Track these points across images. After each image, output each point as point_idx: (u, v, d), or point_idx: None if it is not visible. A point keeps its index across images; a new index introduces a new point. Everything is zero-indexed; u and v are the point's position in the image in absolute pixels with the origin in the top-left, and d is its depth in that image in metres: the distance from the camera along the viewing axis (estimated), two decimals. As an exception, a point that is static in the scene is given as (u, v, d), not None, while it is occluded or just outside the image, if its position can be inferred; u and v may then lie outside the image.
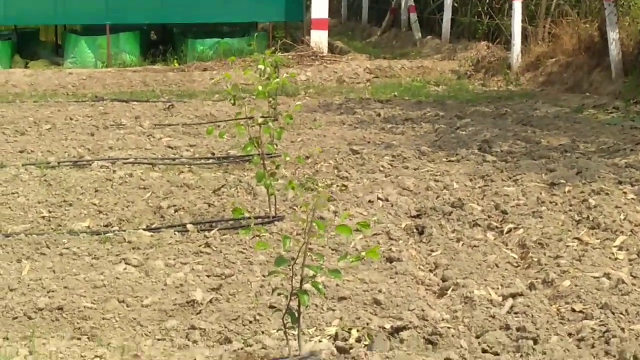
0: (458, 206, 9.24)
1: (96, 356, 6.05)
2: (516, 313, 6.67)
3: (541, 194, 9.62)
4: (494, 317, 6.60)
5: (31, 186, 10.00)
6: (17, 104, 16.55)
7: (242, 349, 6.09)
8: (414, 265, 7.67)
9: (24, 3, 22.70)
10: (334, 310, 6.67)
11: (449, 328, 6.37)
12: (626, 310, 6.58)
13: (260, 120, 8.40)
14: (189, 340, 6.30)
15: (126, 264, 7.67)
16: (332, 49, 23.40)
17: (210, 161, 11.43)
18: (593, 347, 6.15)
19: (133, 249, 8.05)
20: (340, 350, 6.03)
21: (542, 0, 20.64)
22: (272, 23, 24.90)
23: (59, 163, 11.17)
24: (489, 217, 9.01)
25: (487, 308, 6.77)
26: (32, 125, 13.83)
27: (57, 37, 25.86)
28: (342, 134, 13.41)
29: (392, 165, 11.08)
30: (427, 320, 6.46)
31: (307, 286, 5.80)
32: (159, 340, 6.31)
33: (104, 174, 10.52)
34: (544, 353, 5.98)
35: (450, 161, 11.30)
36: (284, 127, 8.90)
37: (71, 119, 14.58)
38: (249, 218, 8.56)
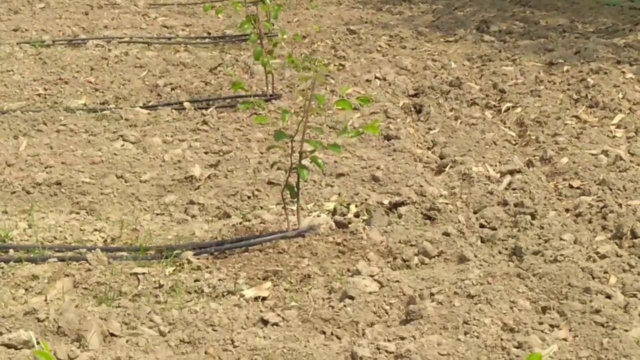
0: (456, 85, 9.25)
1: (95, 229, 6.15)
2: (514, 189, 6.76)
3: (539, 73, 9.64)
4: (491, 193, 6.69)
5: (26, 64, 9.99)
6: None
7: (240, 223, 6.18)
8: (411, 143, 7.74)
9: None
10: (332, 186, 6.75)
11: (446, 204, 6.46)
12: (623, 187, 6.66)
13: (258, -6, 8.41)
14: (187, 214, 6.38)
15: (123, 140, 7.73)
16: None
17: (206, 40, 11.41)
18: (590, 222, 6.25)
19: (130, 125, 8.09)
20: (339, 224, 6.13)
21: None
22: None
23: (53, 41, 11.13)
24: (487, 95, 9.04)
25: (485, 184, 6.86)
26: (26, 4, 13.70)
27: None
28: (338, 14, 13.32)
29: (389, 45, 11.06)
30: (424, 196, 6.55)
31: (306, 161, 5.88)
32: (157, 214, 6.41)
33: (99, 52, 10.50)
34: (541, 227, 6.08)
35: (447, 41, 11.29)
36: (280, 5, 8.86)
37: (65, -4, 14.49)
38: (246, 96, 8.65)
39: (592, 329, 4.89)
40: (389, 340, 4.80)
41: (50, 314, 4.98)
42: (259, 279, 5.45)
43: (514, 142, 7.79)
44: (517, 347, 4.72)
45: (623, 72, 9.55)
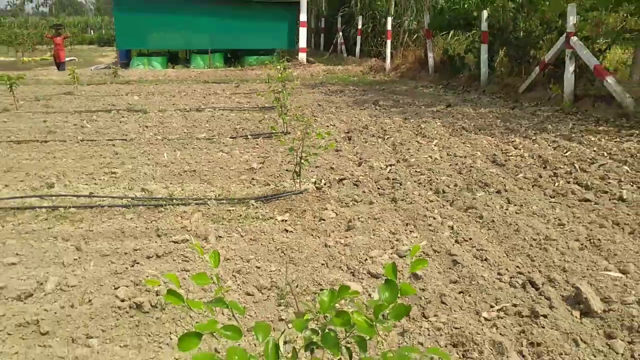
0: (364, 128, 9.17)
1: (211, 191, 6.08)
2: (391, 172, 6.72)
3: (401, 123, 9.58)
4: (382, 174, 6.65)
5: (177, 119, 9.87)
6: (169, 84, 16.15)
7: (275, 187, 6.14)
8: (347, 153, 7.68)
9: (173, 40, 22.65)
10: (313, 171, 6.69)
11: (363, 178, 6.44)
12: (438, 170, 6.66)
13: (279, 90, 8.36)
14: (251, 184, 6.31)
15: (222, 152, 7.63)
16: (307, 61, 23.00)
17: (257, 108, 11.26)
18: (424, 186, 6.20)
19: (224, 145, 7.99)
20: (317, 188, 6.07)
21: (399, 38, 20.54)
22: (281, 49, 24.48)
23: (189, 109, 11.01)
24: (378, 132, 8.93)
25: (379, 170, 6.81)
26: (176, 94, 13.59)
27: (187, 54, 25.37)
28: (313, 97, 13.18)
29: (335, 111, 10.96)
30: (353, 176, 6.50)
31: (303, 161, 5.85)
32: (238, 184, 6.32)
33: (210, 113, 10.35)
34: (405, 189, 6.02)
35: (361, 109, 11.13)
36: (289, 94, 8.74)
37: (194, 91, 14.24)
38: (275, 132, 8.60)
39: (428, 232, 4.86)
40: (340, 238, 4.74)
41: (192, 227, 4.89)
42: (283, 212, 5.38)
43: (390, 152, 7.71)
44: (396, 241, 4.69)
45: (435, 122, 9.49)
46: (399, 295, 2.09)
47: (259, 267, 4.20)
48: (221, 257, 4.40)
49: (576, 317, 3.56)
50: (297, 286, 3.89)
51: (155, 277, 4.05)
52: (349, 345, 2.40)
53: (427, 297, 3.77)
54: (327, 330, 1.94)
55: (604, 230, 4.82)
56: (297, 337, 3.24)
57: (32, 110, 11.35)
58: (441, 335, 3.38)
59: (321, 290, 3.88)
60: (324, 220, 5.14)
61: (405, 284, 2.11)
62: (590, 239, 4.64)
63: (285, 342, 3.19)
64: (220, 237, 4.78)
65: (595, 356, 3.13)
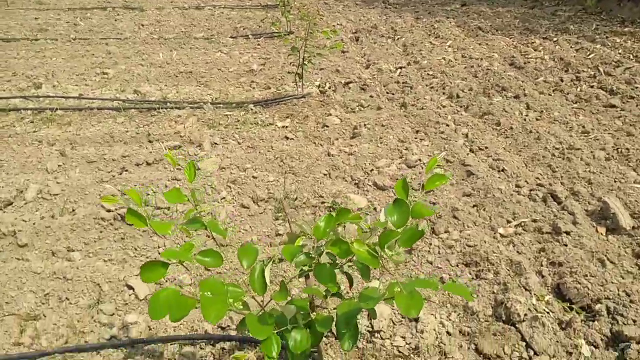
0: (373, 27, 8.48)
1: (207, 94, 5.61)
2: (401, 75, 6.20)
3: (412, 23, 8.88)
4: (391, 77, 6.14)
5: (175, 17, 9.19)
6: None
7: (276, 91, 5.67)
8: (354, 54, 7.10)
9: None
10: (317, 74, 6.18)
11: (371, 82, 5.94)
12: (452, 74, 6.12)
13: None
14: (250, 87, 5.83)
15: (220, 52, 7.07)
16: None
17: (260, 6, 10.48)
18: (437, 90, 5.75)
19: (224, 45, 7.41)
20: (321, 92, 5.61)
21: None
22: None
23: (188, 7, 10.24)
24: (388, 32, 8.26)
25: (388, 73, 6.28)
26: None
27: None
28: (320, -4, 12.45)
29: (343, 9, 10.18)
30: (360, 79, 5.99)
31: (306, 62, 5.35)
32: (236, 87, 5.84)
33: (209, 12, 9.62)
34: (415, 93, 5.57)
35: (369, 7, 10.33)
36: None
37: None
38: (278, 32, 8.00)
39: (440, 140, 4.46)
40: (345, 147, 4.36)
41: (186, 133, 4.51)
42: (284, 117, 4.96)
43: (401, 54, 7.14)
44: (406, 150, 4.30)
45: (450, 22, 8.81)
46: (410, 217, 1.73)
47: (255, 177, 3.85)
48: (216, 165, 4.04)
49: (602, 234, 3.22)
50: (295, 199, 3.55)
51: (133, 187, 3.72)
52: (349, 270, 2.08)
53: (438, 212, 3.44)
54: (322, 262, 1.60)
55: (632, 138, 4.39)
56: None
57: (24, 6, 10.65)
58: (453, 253, 3.07)
59: (322, 203, 3.54)
60: (327, 126, 4.73)
61: (419, 204, 1.74)
62: (617, 148, 4.23)
63: (280, 260, 2.89)
64: (216, 144, 4.40)
65: (623, 278, 2.82)
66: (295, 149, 4.28)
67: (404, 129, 4.71)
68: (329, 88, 5.75)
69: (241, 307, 1.58)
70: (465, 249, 3.07)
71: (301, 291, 2.70)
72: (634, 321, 2.48)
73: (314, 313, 1.75)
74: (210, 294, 1.43)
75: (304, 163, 4.06)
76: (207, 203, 3.55)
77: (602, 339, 2.45)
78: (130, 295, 2.77)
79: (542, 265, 2.95)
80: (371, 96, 5.50)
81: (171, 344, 2.42)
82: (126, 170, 3.98)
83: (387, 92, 5.72)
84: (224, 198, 3.62)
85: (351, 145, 4.38)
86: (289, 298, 1.57)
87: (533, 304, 2.60)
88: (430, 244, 3.14)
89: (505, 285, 2.76)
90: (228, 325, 2.51)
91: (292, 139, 4.52)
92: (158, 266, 1.50)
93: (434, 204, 3.50)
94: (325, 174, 3.94)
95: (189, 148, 4.30)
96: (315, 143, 4.46)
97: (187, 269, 2.20)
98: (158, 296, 1.34)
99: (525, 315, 2.52)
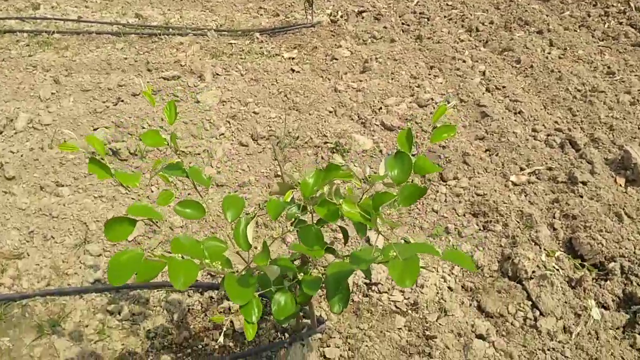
0: None
1: (212, 20, 5.30)
2: (418, 5, 5.75)
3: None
4: (408, 7, 5.74)
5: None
6: None
7: (284, 19, 5.34)
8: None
9: None
10: (329, 1, 5.80)
11: (385, 11, 5.57)
12: (474, 4, 5.74)
13: None
14: (258, 14, 5.50)
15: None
16: None
17: None
18: (455, 22, 5.38)
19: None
20: (332, 21, 5.27)
21: None
22: None
23: None
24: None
25: (405, 2, 5.84)
26: None
27: None
28: None
29: None
30: (375, 7, 5.62)
31: (317, -12, 5.01)
32: (243, 13, 5.51)
33: None
34: (432, 25, 5.22)
35: None
36: None
37: None
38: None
39: (455, 78, 4.18)
40: (353, 82, 4.11)
41: (187, 63, 4.26)
42: (291, 48, 4.68)
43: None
44: (418, 87, 4.05)
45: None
46: (412, 173, 1.54)
47: (257, 113, 3.64)
48: (216, 98, 3.82)
49: (621, 185, 3.02)
50: (297, 137, 3.35)
51: (128, 119, 3.52)
52: (344, 226, 1.92)
53: (447, 156, 3.23)
54: (307, 224, 1.43)
55: (662, 82, 4.10)
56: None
57: None
58: (460, 202, 2.88)
59: (325, 143, 3.34)
60: (336, 59, 4.44)
61: (423, 158, 1.55)
62: (644, 92, 3.95)
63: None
64: (217, 75, 4.16)
65: (638, 233, 2.65)
66: (301, 83, 4.03)
67: (418, 64, 4.43)
68: (341, 17, 5.41)
69: (220, 267, 1.43)
70: (473, 198, 2.89)
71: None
72: (650, 283, 2.33)
73: (305, 270, 1.60)
74: (180, 256, 1.27)
75: (309, 99, 3.83)
76: (205, 139, 3.37)
77: (613, 300, 2.30)
78: (118, 235, 2.65)
79: (554, 218, 2.77)
80: (385, 27, 5.16)
81: (157, 290, 2.31)
82: (122, 101, 3.78)
83: (403, 23, 5.37)
84: (222, 134, 3.43)
85: (360, 81, 4.13)
86: (269, 260, 1.41)
87: (542, 261, 2.43)
88: (437, 192, 2.96)
89: (514, 238, 2.59)
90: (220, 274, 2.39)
91: (299, 72, 4.26)
92: (124, 223, 1.35)
93: (443, 147, 3.30)
94: (330, 112, 3.72)
95: (189, 79, 4.06)
96: (322, 77, 4.21)
97: (156, 225, 2.05)
98: (118, 259, 1.19)
99: (534, 272, 2.37)
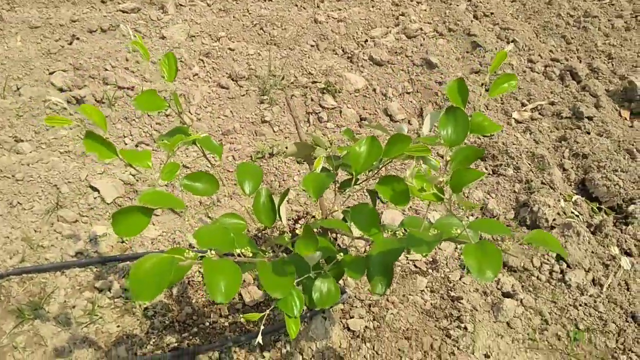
0: None
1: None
2: None
3: None
4: None
5: None
6: None
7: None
8: None
9: None
10: None
11: None
12: None
13: None
14: None
15: None
16: None
17: None
18: None
19: None
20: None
21: None
22: None
23: None
24: None
25: None
26: None
27: None
28: None
29: None
30: None
31: None
32: None
33: None
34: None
35: None
36: None
37: None
38: None
39: (439, 4, 3.87)
40: (333, 11, 3.75)
41: (145, -7, 3.80)
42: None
43: None
44: (402, 15, 3.73)
45: None
46: (469, 133, 1.31)
47: (232, 50, 3.27)
48: (184, 33, 3.42)
49: (626, 119, 2.88)
50: (283, 78, 3.04)
51: (88, 61, 3.11)
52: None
53: (444, 93, 3.00)
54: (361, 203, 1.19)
55: (651, 5, 3.92)
56: (288, 172, 2.50)
57: None
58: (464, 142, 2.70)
59: (313, 83, 3.04)
60: (310, -16, 4.06)
61: (480, 115, 1.32)
62: (635, 16, 3.76)
63: (271, 155, 2.46)
64: (181, 5, 3.72)
65: (654, 174, 2.53)
66: (276, 13, 3.66)
67: (396, -11, 4.09)
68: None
69: (249, 253, 1.19)
70: (480, 140, 2.70)
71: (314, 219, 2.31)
72: (673, 226, 2.22)
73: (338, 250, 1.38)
74: (214, 255, 1.02)
75: (287, 32, 3.48)
76: (177, 81, 3.02)
77: (636, 245, 2.20)
78: (95, 198, 2.33)
79: (564, 158, 2.62)
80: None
81: (150, 261, 2.05)
82: (77, 39, 3.34)
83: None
84: (196, 75, 3.07)
85: (339, 10, 3.78)
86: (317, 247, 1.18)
87: (562, 207, 2.29)
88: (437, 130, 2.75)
89: (529, 183, 2.43)
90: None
91: (271, 0, 3.87)
92: (136, 213, 1.08)
93: (439, 83, 3.06)
94: (312, 45, 3.39)
95: (150, 11, 3.62)
96: (297, 6, 3.83)
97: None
98: (141, 268, 0.93)
99: (554, 220, 2.22)
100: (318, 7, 3.80)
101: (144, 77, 3.00)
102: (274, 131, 2.76)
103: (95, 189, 2.35)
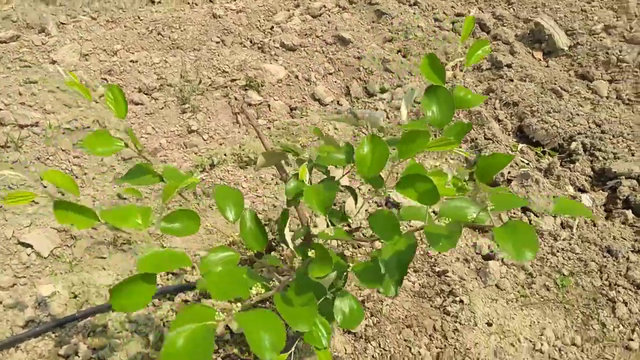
0: None
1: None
2: None
3: None
4: None
5: None
6: None
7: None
8: None
9: None
10: None
11: None
12: None
13: None
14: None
15: None
16: None
17: None
18: None
19: None
20: None
21: None
22: None
23: None
24: None
25: None
26: None
27: None
28: None
29: None
30: None
31: None
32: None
33: None
34: None
35: None
36: None
37: None
38: None
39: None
40: (227, 2, 3.55)
41: (18, 15, 3.41)
42: (137, -25, 3.93)
43: None
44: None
45: None
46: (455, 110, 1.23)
47: (135, 62, 3.00)
48: (76, 53, 3.11)
49: (540, 59, 2.95)
50: (199, 82, 2.82)
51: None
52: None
53: (367, 67, 2.92)
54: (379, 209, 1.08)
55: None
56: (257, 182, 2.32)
57: None
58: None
59: (232, 81, 2.86)
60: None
61: (462, 88, 1.25)
62: (519, -40, 3.87)
63: (211, 167, 2.28)
64: (64, 24, 3.37)
65: (582, 106, 2.60)
66: (170, 15, 3.40)
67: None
68: None
69: (262, 290, 1.05)
70: (414, 108, 2.66)
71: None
72: (615, 155, 2.30)
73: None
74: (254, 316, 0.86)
75: (187, 32, 3.25)
76: (84, 107, 2.73)
77: (586, 180, 2.26)
78: (29, 255, 2.05)
79: (496, 109, 2.64)
80: None
81: (114, 312, 1.83)
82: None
83: None
84: (103, 96, 2.80)
85: (235, 0, 3.59)
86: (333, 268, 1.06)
87: (513, 160, 2.30)
88: (376, 109, 2.68)
89: (474, 142, 2.42)
90: (184, 270, 1.95)
91: (160, 2, 3.61)
92: (138, 283, 0.90)
93: (358, 58, 2.98)
94: (218, 42, 3.19)
95: (31, 36, 3.24)
96: (190, 3, 3.60)
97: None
98: (172, 349, 0.76)
99: (509, 173, 2.23)
100: (212, 1, 3.59)
101: (45, 109, 2.69)
102: (205, 139, 2.57)
103: (26, 245, 2.07)
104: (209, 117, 2.66)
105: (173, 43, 3.17)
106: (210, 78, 2.86)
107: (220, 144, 2.53)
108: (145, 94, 2.79)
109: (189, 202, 2.21)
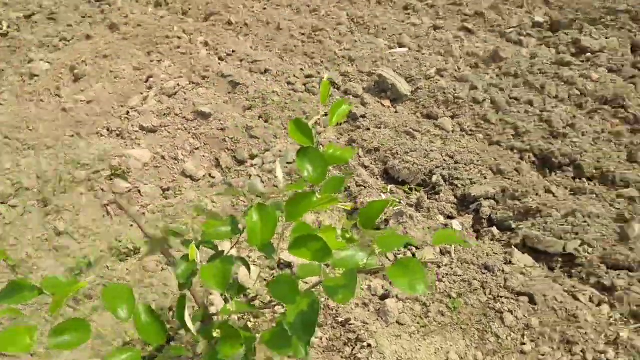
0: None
1: None
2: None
3: None
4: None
5: None
6: None
7: None
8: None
9: None
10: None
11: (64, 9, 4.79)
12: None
13: None
14: None
15: None
16: None
17: None
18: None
19: None
20: (2, 35, 4.34)
21: None
22: None
23: None
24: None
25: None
26: None
27: None
28: None
29: None
30: (43, 7, 4.80)
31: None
32: None
33: None
34: (119, 10, 4.68)
35: None
36: None
37: None
38: None
39: (180, 57, 3.82)
40: (75, 94, 3.43)
41: None
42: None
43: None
44: (151, 78, 3.58)
45: None
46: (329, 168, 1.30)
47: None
48: None
49: (389, 107, 3.19)
50: (60, 180, 2.67)
51: None
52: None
53: (230, 137, 2.96)
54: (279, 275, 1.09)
55: (357, 5, 4.40)
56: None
57: None
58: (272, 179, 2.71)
59: (95, 173, 2.74)
60: (36, 76, 3.67)
61: (331, 146, 1.32)
62: (352, 19, 4.19)
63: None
64: None
65: (433, 142, 2.83)
66: (16, 115, 3.22)
67: (134, 54, 3.93)
68: (8, 27, 4.48)
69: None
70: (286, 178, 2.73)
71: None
72: (471, 180, 2.52)
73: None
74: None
75: (37, 131, 3.08)
76: None
77: (453, 207, 2.45)
78: None
79: (360, 157, 2.80)
80: (69, 25, 4.45)
81: None
82: None
83: (84, 16, 4.69)
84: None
85: (83, 91, 3.48)
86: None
87: (385, 199, 2.44)
88: (249, 175, 2.71)
89: (348, 190, 2.53)
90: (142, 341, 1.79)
91: (1, 104, 3.41)
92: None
93: (222, 130, 3.01)
94: (72, 135, 3.07)
95: None
96: (34, 101, 3.43)
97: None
98: None
99: (385, 213, 2.36)
100: (59, 96, 3.46)
101: None
102: (76, 239, 2.42)
103: None
104: (77, 215, 2.52)
105: (23, 144, 2.99)
106: (70, 174, 2.73)
107: (94, 241, 2.40)
108: (1, 203, 2.59)
109: (71, 309, 2.06)
